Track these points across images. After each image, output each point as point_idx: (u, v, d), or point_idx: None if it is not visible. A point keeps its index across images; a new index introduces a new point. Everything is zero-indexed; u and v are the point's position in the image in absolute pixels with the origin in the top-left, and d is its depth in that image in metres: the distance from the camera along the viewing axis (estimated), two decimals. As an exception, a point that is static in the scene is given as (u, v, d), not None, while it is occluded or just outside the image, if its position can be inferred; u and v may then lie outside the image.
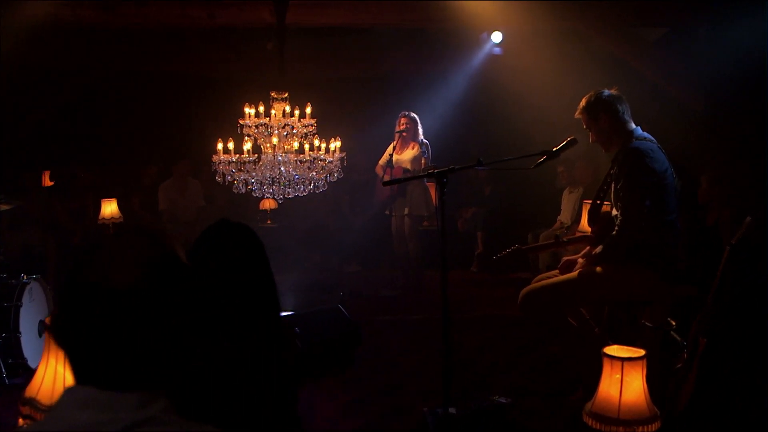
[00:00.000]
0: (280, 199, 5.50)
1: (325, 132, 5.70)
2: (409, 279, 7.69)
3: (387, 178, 7.12)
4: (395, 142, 7.44)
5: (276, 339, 2.31)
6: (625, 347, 2.76)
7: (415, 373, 5.17)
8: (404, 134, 7.37)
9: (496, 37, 8.88)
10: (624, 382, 2.64)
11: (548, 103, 8.49)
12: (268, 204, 9.32)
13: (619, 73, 6.84)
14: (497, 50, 9.14)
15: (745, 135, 6.39)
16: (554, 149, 3.84)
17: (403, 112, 7.43)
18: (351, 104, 10.22)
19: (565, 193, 8.02)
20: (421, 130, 7.43)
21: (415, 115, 7.42)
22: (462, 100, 9.57)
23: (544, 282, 4.17)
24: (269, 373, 2.23)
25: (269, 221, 9.53)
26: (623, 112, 4.03)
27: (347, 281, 8.42)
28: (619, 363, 2.70)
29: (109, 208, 8.58)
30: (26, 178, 8.09)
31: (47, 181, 8.94)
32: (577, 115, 4.17)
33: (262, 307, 2.31)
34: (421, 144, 7.34)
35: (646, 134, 4.03)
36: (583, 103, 4.12)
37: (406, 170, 7.31)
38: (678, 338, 3.58)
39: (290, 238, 9.31)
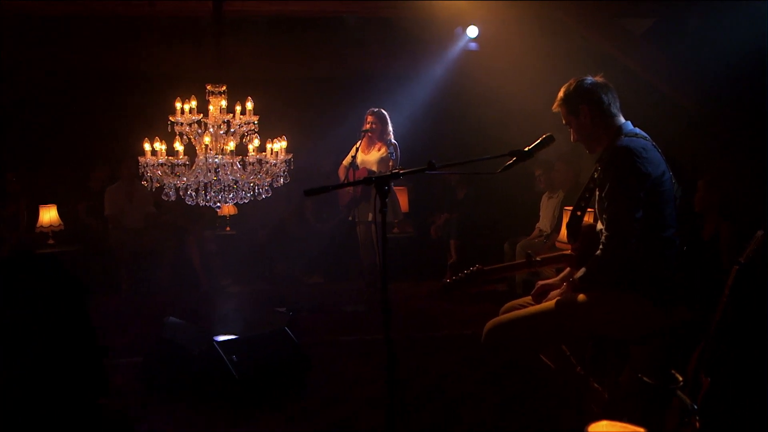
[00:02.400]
0: (217, 207, 4.84)
1: (280, 133, 5.10)
2: (374, 293, 7.05)
3: (350, 180, 6.70)
4: (360, 142, 6.89)
5: (80, 385, 1.69)
6: (618, 424, 1.96)
7: (371, 406, 4.52)
8: (370, 134, 6.83)
9: (472, 31, 8.35)
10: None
11: (529, 102, 8.02)
12: (226, 210, 8.80)
13: (604, 68, 6.25)
14: (473, 45, 8.63)
15: (744, 136, 5.78)
16: (526, 149, 3.16)
17: (371, 109, 6.93)
18: (316, 104, 9.72)
19: (544, 198, 7.52)
20: (390, 130, 6.90)
21: (385, 113, 6.91)
22: (434, 99, 9.01)
23: (514, 313, 3.44)
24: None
25: (228, 228, 8.96)
26: (609, 104, 3.33)
27: (308, 294, 7.84)
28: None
29: (48, 215, 7.96)
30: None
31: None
32: (555, 108, 3.46)
33: (65, 351, 1.68)
34: (389, 144, 6.81)
35: (637, 130, 3.32)
36: (561, 94, 3.42)
37: (371, 172, 6.82)
38: (687, 400, 2.86)
39: (250, 247, 8.80)
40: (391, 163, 6.73)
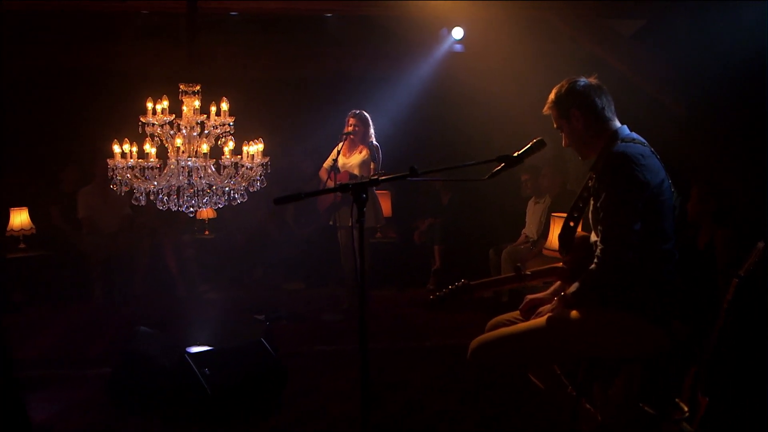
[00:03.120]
0: (191, 212, 4.61)
1: (257, 135, 4.90)
2: (355, 300, 6.85)
3: (331, 183, 6.59)
4: (341, 145, 6.74)
5: None
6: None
7: (347, 422, 4.32)
8: (352, 136, 6.68)
9: (457, 33, 8.21)
10: None
11: (516, 105, 7.87)
12: (205, 213, 8.56)
13: (593, 71, 6.14)
14: (459, 47, 8.47)
15: (741, 139, 5.62)
16: (516, 154, 2.96)
17: (352, 111, 6.77)
18: (295, 105, 9.51)
19: (530, 203, 7.35)
20: (372, 132, 6.75)
21: (367, 115, 6.75)
22: (418, 102, 8.82)
23: (502, 330, 3.21)
24: None
25: (207, 232, 8.71)
26: (603, 107, 3.11)
27: (287, 301, 7.62)
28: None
29: (19, 218, 7.72)
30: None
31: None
32: (545, 111, 3.24)
33: None
34: (371, 147, 6.65)
35: (634, 135, 3.10)
36: (552, 96, 3.20)
37: (353, 175, 6.67)
38: (690, 429, 2.67)
39: (229, 251, 8.57)
40: (372, 166, 6.59)
